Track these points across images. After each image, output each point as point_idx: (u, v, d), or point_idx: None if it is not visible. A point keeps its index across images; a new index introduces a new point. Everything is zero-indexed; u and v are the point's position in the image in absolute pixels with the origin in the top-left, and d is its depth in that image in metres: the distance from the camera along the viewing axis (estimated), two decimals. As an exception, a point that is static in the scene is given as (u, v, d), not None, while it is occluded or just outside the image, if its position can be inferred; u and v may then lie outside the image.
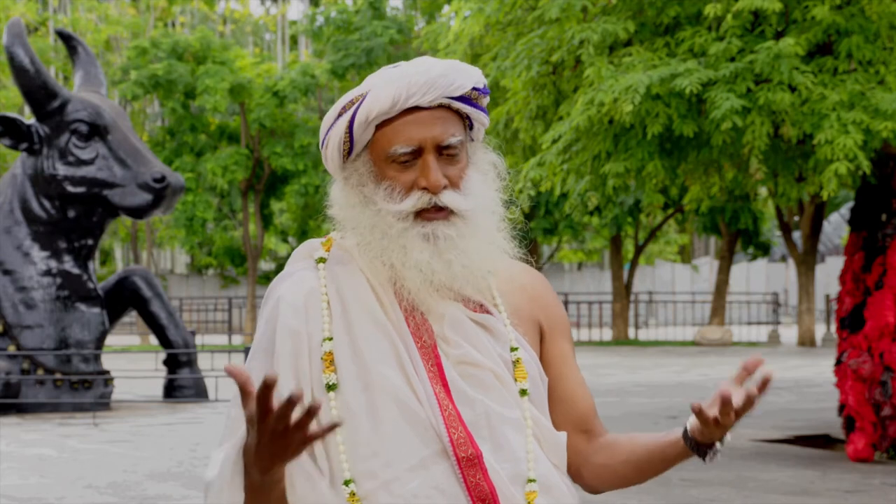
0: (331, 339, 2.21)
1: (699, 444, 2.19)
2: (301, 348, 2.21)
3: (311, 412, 1.85)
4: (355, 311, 2.23)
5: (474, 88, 2.29)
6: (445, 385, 2.19)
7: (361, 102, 2.26)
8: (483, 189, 2.28)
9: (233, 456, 2.06)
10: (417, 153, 2.23)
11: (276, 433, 1.91)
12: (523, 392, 2.25)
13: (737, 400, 2.09)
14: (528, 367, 2.27)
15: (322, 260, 2.30)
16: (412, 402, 2.16)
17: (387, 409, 2.16)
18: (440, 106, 2.25)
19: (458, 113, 2.28)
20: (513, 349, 2.27)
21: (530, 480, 2.19)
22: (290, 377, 2.19)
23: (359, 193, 2.27)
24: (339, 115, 2.28)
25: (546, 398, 2.30)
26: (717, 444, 2.19)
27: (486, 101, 2.34)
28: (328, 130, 2.30)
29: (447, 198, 2.23)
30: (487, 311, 2.29)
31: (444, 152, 2.24)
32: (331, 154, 2.31)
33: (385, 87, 2.24)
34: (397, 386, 2.16)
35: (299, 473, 2.13)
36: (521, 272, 2.40)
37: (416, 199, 2.22)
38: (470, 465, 2.15)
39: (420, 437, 2.16)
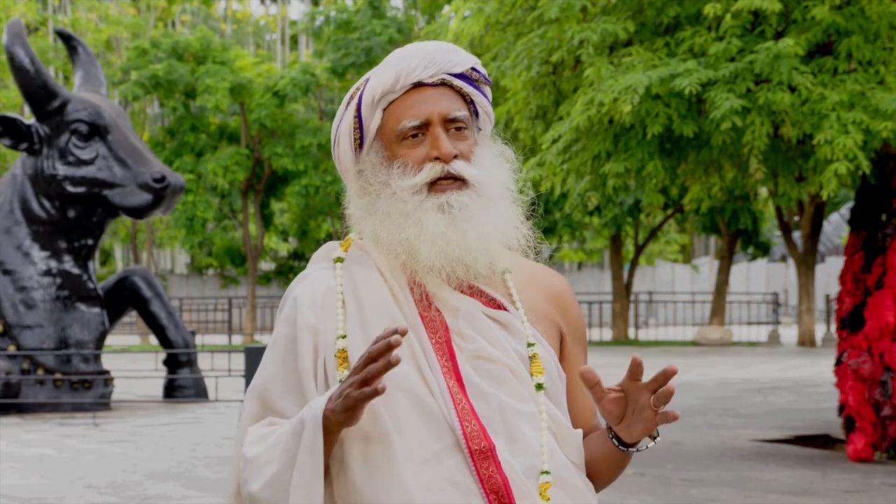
0: (344, 336, 2.23)
1: (622, 441, 2.21)
2: (319, 344, 2.24)
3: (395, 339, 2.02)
4: (370, 308, 2.24)
5: (473, 69, 2.33)
6: (459, 379, 2.20)
7: (365, 87, 2.30)
8: (494, 166, 2.31)
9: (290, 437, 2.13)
10: (425, 127, 2.26)
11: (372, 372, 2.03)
12: (539, 386, 2.25)
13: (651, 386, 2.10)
14: (545, 363, 2.27)
15: (339, 259, 2.33)
16: (425, 396, 2.17)
17: (400, 404, 2.17)
18: (443, 84, 2.30)
19: (461, 95, 2.32)
20: (529, 345, 2.27)
21: (544, 472, 2.19)
22: (311, 372, 2.23)
23: (374, 183, 2.28)
24: (346, 106, 2.32)
25: (565, 395, 2.30)
26: (645, 441, 2.20)
27: (488, 89, 2.37)
28: (338, 125, 2.33)
29: (459, 166, 2.25)
30: (503, 308, 2.29)
31: (452, 126, 2.27)
32: (343, 150, 2.33)
33: (386, 67, 2.29)
34: (411, 380, 2.17)
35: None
36: (543, 273, 2.40)
37: (429, 170, 2.24)
38: (483, 457, 2.15)
39: (433, 431, 2.16)
